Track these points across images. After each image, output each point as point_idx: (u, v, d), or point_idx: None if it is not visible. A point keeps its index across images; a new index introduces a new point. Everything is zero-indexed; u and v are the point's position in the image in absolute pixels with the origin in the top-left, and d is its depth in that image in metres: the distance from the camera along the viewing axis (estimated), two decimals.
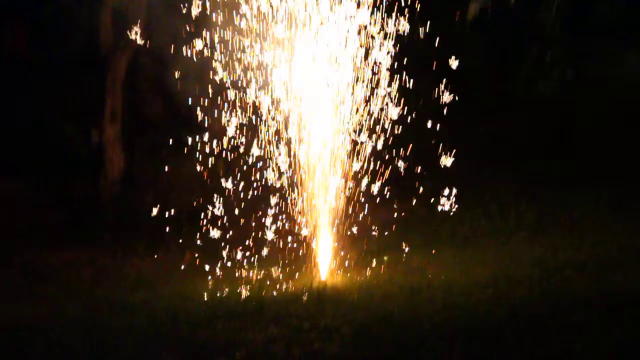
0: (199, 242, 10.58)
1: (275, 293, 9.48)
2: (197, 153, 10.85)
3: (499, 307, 8.38)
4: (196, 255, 10.65)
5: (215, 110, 10.25)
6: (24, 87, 12.95)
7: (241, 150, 10.34)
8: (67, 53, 13.09)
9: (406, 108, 10.60)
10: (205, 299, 9.08)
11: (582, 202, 11.94)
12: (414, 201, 11.71)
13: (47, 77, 13.00)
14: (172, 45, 10.92)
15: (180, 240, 10.98)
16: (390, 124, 10.76)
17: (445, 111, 11.30)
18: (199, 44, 9.94)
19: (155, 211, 11.00)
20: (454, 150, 11.14)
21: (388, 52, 10.36)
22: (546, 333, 7.16)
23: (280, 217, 10.40)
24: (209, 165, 10.79)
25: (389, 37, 10.35)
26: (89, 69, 12.50)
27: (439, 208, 11.36)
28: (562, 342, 6.87)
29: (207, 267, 10.22)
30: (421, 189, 11.53)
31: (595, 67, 16.64)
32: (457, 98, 11.56)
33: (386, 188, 10.67)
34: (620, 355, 6.40)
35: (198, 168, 10.87)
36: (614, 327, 7.00)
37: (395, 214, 11.52)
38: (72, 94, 12.92)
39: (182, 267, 10.34)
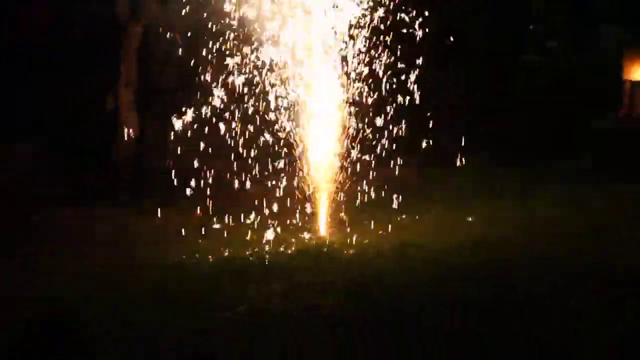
0: (207, 202, 10.99)
1: (281, 249, 9.90)
2: (204, 116, 11.38)
3: (494, 272, 8.81)
4: (202, 214, 11.00)
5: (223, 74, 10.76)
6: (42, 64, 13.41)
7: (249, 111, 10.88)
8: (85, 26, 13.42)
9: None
10: (211, 258, 9.48)
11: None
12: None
13: (66, 50, 13.41)
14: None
15: (190, 200, 11.13)
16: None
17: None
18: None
19: (171, 175, 11.40)
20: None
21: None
22: (544, 312, 7.58)
23: (282, 178, 11.02)
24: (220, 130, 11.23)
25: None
26: (105, 39, 12.78)
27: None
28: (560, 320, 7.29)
29: (216, 226, 10.65)
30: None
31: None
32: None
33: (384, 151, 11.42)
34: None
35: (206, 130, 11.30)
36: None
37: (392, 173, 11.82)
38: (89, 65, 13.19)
39: (192, 225, 10.62)
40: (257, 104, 10.86)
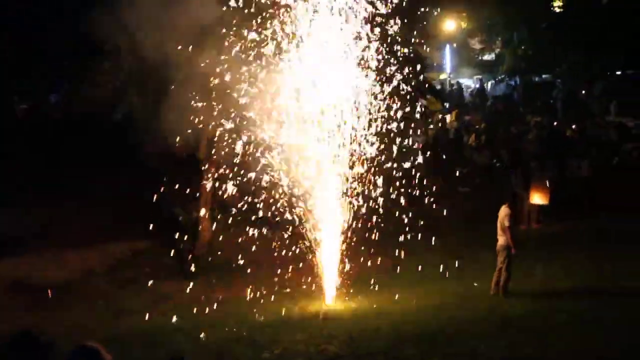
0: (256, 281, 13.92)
1: (297, 310, 12.81)
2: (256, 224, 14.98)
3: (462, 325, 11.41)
4: (251, 289, 13.69)
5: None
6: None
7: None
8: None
9: None
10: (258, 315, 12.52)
11: None
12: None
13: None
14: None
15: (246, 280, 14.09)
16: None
17: None
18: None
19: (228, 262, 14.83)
20: None
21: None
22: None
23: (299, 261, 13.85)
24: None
25: None
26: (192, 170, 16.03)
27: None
28: None
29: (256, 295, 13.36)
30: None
31: None
32: None
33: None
34: None
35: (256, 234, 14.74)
36: None
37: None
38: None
39: (244, 296, 13.58)
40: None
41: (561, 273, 14.45)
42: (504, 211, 13.33)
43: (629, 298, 12.65)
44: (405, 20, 13.89)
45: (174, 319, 12.49)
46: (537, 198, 18.38)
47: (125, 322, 12.21)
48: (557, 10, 41.97)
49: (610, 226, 17.16)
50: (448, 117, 31.31)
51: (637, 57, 34.99)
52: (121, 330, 11.43)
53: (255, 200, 14.58)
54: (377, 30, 13.24)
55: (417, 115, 18.56)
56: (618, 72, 40.04)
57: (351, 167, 13.39)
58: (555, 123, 30.88)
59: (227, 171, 15.70)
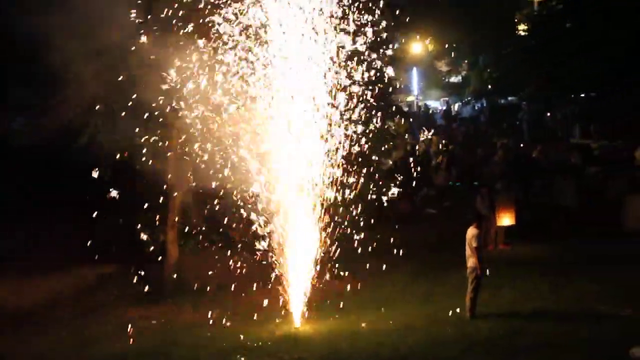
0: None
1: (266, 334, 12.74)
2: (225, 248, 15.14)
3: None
4: (218, 313, 13.82)
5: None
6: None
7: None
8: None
9: None
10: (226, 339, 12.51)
11: None
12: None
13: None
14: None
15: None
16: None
17: None
18: None
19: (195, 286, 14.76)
20: None
21: None
22: None
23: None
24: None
25: None
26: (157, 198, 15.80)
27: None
28: None
29: (224, 321, 13.41)
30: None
31: None
32: None
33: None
34: None
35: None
36: None
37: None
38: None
39: (211, 321, 13.64)
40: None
41: (528, 295, 14.53)
42: (471, 232, 13.38)
43: (595, 320, 12.74)
44: (373, 42, 13.86)
45: (140, 346, 12.51)
46: (504, 219, 18.49)
47: (90, 351, 12.14)
48: (522, 34, 42.62)
49: (579, 248, 17.33)
50: (423, 139, 31.66)
51: (600, 80, 35.50)
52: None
53: (224, 224, 14.84)
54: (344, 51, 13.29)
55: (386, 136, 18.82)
56: (582, 95, 40.60)
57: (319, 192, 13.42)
58: (521, 145, 31.28)
59: (192, 198, 16.24)
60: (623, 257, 16.08)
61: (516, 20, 43.22)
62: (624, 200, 19.93)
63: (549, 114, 41.16)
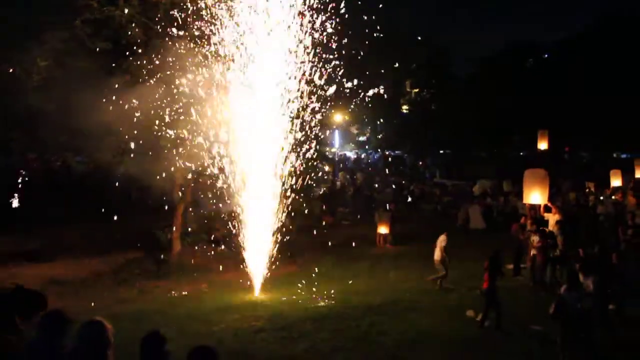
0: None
1: (236, 299, 12.27)
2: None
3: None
4: (205, 285, 13.48)
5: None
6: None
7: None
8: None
9: None
10: (210, 302, 12.04)
11: None
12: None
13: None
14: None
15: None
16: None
17: None
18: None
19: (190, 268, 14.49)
20: None
21: None
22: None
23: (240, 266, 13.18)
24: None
25: None
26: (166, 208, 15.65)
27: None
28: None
29: (208, 291, 13.02)
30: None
31: None
32: None
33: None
34: None
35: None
36: None
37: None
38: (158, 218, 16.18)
39: (200, 290, 13.15)
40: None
41: (404, 276, 14.43)
42: (441, 238, 13.37)
43: (445, 292, 12.73)
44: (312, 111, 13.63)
45: (153, 305, 12.17)
46: (382, 228, 18.35)
47: (121, 307, 11.72)
48: (404, 111, 44.21)
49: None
50: (339, 176, 31.89)
51: (454, 143, 37.39)
52: (118, 312, 10.91)
53: (211, 226, 14.98)
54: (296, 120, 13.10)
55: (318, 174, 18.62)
56: (441, 151, 42.08)
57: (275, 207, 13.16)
58: (403, 182, 31.93)
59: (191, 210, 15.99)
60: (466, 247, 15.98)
61: (401, 102, 44.49)
62: (462, 208, 21.18)
63: (420, 163, 42.44)
